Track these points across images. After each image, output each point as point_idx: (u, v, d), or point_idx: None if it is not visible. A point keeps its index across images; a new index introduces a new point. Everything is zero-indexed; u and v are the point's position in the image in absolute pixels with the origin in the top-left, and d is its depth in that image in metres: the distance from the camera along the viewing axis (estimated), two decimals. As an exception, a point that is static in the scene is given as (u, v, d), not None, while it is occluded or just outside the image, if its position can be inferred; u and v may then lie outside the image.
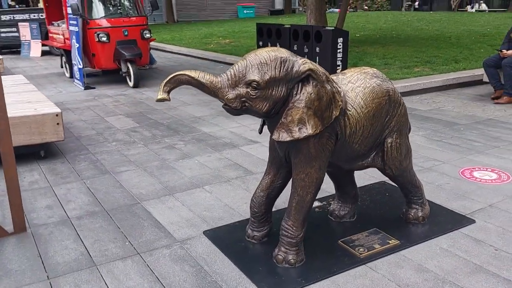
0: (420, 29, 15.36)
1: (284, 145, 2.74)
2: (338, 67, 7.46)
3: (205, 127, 6.02)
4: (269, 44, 8.80)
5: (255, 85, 2.49)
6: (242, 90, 2.52)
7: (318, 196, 3.07)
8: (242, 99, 2.53)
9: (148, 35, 9.07)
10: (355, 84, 2.86)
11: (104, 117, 6.66)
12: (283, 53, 2.56)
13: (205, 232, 3.27)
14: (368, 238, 3.11)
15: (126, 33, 8.75)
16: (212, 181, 4.20)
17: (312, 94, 2.56)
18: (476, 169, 4.26)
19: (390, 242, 3.05)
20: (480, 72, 8.14)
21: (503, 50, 6.82)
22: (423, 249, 2.98)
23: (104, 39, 8.62)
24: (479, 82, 7.98)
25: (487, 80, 7.26)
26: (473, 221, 3.30)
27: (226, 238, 3.18)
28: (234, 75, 2.53)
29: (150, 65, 10.70)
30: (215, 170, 4.47)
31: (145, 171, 4.49)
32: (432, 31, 14.69)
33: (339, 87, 2.74)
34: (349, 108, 2.78)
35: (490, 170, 4.23)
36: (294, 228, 2.79)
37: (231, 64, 11.49)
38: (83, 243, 3.17)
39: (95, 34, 8.60)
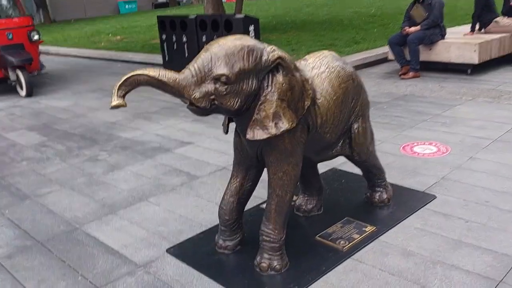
0: (311, 14, 15.82)
1: (256, 143, 2.49)
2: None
3: (125, 132, 5.50)
4: (174, 37, 8.39)
5: (224, 80, 2.20)
6: (210, 86, 2.22)
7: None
8: (211, 97, 2.23)
9: (36, 37, 8.13)
10: (320, 70, 2.70)
11: (2, 133, 5.81)
12: (248, 41, 2.30)
13: (168, 250, 2.91)
14: (344, 229, 2.99)
15: (10, 37, 7.75)
16: (156, 191, 3.80)
17: (284, 85, 2.34)
18: (415, 144, 4.37)
19: (366, 229, 2.96)
20: (382, 50, 8.53)
21: (405, 28, 7.16)
22: (400, 232, 2.93)
23: (-17, 45, 7.57)
24: (383, 61, 8.33)
25: (392, 58, 7.59)
26: (434, 197, 3.34)
27: (194, 253, 2.85)
28: (199, 70, 2.22)
29: (39, 70, 9.65)
30: (154, 179, 4.05)
31: (72, 190, 3.94)
32: (323, 16, 15.19)
33: (306, 75, 2.56)
34: (318, 97, 2.60)
35: (428, 143, 4.36)
36: (276, 232, 2.57)
37: (129, 62, 10.81)
38: (24, 287, 2.64)
39: (-28, 40, 7.52)
